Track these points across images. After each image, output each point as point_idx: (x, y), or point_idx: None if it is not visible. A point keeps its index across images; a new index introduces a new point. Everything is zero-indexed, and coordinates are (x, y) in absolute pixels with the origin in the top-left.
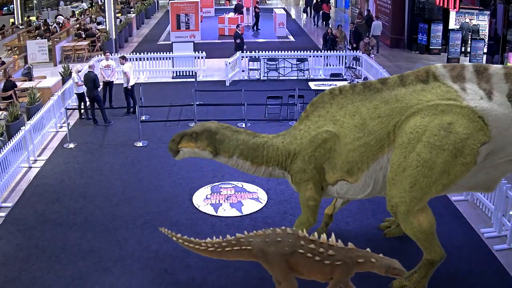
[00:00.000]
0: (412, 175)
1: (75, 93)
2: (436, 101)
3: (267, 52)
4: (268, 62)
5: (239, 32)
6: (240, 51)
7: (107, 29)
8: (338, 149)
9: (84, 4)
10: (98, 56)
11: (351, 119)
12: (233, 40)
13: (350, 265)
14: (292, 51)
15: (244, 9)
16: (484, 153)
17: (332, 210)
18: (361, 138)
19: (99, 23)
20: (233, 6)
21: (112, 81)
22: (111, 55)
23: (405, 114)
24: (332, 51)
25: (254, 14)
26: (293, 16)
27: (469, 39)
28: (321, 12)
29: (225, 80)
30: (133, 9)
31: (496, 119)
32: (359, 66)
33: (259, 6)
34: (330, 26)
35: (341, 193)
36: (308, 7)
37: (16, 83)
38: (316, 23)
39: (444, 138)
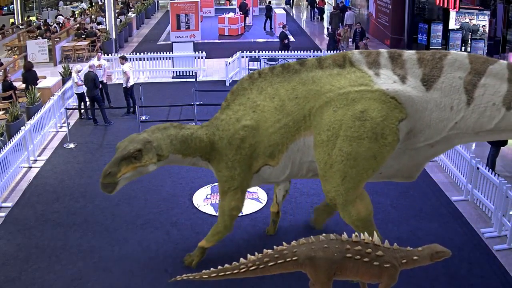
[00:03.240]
0: (340, 170)
1: (75, 93)
2: (347, 88)
3: (267, 52)
4: (268, 62)
5: (286, 33)
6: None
7: (107, 29)
8: (259, 138)
9: (84, 4)
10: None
11: (271, 102)
12: (235, 40)
13: (397, 267)
14: (292, 51)
15: (251, 9)
16: (405, 130)
17: (277, 207)
18: (280, 120)
19: (99, 23)
20: (233, 6)
21: (104, 81)
22: (111, 55)
23: (318, 102)
24: (333, 50)
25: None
26: (293, 16)
27: (469, 39)
28: (316, 7)
29: (225, 80)
30: (133, 9)
31: (410, 99)
32: None
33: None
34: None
35: (264, 178)
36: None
37: (13, 83)
38: (312, 17)
39: (360, 128)
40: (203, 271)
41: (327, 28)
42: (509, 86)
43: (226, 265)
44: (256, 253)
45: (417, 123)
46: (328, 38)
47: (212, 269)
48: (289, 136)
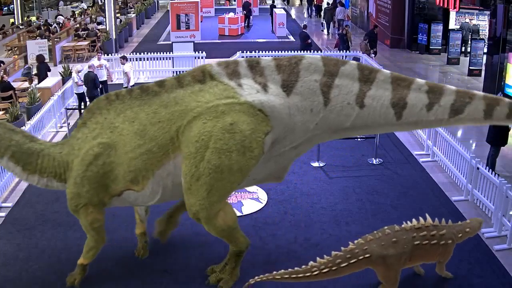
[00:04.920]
0: (207, 183)
1: (75, 93)
2: (215, 101)
3: (267, 52)
4: None
5: (306, 32)
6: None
7: (107, 29)
8: (116, 159)
9: (84, 4)
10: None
11: (131, 126)
12: (235, 40)
13: (455, 241)
14: (292, 51)
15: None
16: (269, 142)
17: (142, 227)
18: (142, 145)
19: (99, 23)
20: (233, 6)
21: (106, 81)
22: (111, 55)
23: (186, 119)
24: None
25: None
26: (293, 16)
27: (469, 39)
28: (313, 4)
29: None
30: (133, 9)
31: (274, 109)
32: None
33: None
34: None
35: (130, 201)
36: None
37: (10, 82)
38: (310, 15)
39: (230, 140)
40: (275, 272)
41: (322, 24)
42: (360, 85)
43: (297, 268)
44: (325, 256)
45: (281, 131)
46: (338, 37)
47: (283, 270)
48: (155, 162)
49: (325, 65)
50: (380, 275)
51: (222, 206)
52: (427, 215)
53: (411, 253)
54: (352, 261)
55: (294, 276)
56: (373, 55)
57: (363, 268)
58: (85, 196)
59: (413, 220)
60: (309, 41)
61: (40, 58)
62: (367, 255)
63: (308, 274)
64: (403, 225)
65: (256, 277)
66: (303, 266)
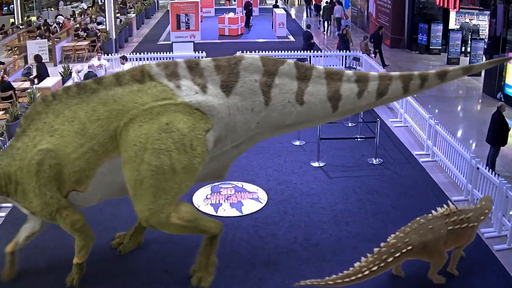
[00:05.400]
0: (152, 185)
1: None
2: (151, 103)
3: (267, 52)
4: None
5: (310, 32)
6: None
7: (107, 29)
8: (61, 162)
9: (84, 4)
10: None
11: (71, 126)
12: (235, 40)
13: (479, 224)
14: (292, 51)
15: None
16: (212, 139)
17: (13, 246)
18: (84, 144)
19: (99, 23)
20: (233, 6)
21: None
22: (111, 55)
23: (123, 120)
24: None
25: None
26: (293, 16)
27: (469, 39)
28: (312, 4)
29: None
30: (133, 9)
31: (213, 108)
32: (359, 66)
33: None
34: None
35: (74, 204)
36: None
37: (10, 82)
38: (308, 14)
39: (167, 139)
40: (327, 278)
41: (319, 21)
42: (299, 83)
43: (346, 271)
44: (368, 254)
45: (222, 130)
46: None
47: (334, 276)
48: (96, 160)
49: (264, 65)
50: (429, 260)
51: (174, 208)
52: (449, 202)
53: (447, 238)
54: (397, 255)
55: (347, 280)
56: (373, 55)
57: (406, 260)
58: (52, 203)
59: (438, 208)
60: (312, 41)
61: (38, 58)
62: (409, 247)
63: (359, 275)
64: (431, 214)
65: (308, 281)
66: (351, 269)
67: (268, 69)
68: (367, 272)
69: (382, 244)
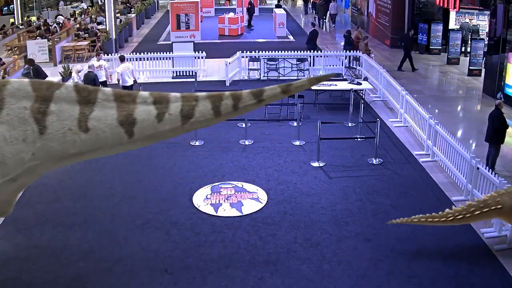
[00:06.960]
0: None
1: None
2: None
3: (267, 52)
4: (268, 62)
5: (317, 30)
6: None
7: (107, 29)
8: None
9: (84, 4)
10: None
11: None
12: (235, 40)
13: None
14: (292, 51)
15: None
16: None
17: None
18: None
19: (99, 23)
20: (233, 6)
21: (105, 81)
22: (111, 55)
23: None
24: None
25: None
26: (292, 15)
27: (469, 39)
28: (311, 2)
29: (225, 80)
30: (133, 9)
31: None
32: (359, 66)
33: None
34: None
35: None
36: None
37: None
38: (306, 12)
39: None
40: (413, 216)
41: (314, 18)
42: (81, 108)
43: (434, 213)
44: (460, 205)
45: None
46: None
47: (421, 215)
48: None
49: (36, 90)
50: (509, 223)
51: None
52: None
53: None
54: (485, 210)
55: (430, 220)
56: (373, 55)
57: (491, 218)
58: None
59: None
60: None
61: (30, 62)
62: (498, 206)
63: (443, 219)
64: None
65: (398, 219)
66: (440, 212)
67: (41, 95)
68: (451, 218)
69: (475, 199)
